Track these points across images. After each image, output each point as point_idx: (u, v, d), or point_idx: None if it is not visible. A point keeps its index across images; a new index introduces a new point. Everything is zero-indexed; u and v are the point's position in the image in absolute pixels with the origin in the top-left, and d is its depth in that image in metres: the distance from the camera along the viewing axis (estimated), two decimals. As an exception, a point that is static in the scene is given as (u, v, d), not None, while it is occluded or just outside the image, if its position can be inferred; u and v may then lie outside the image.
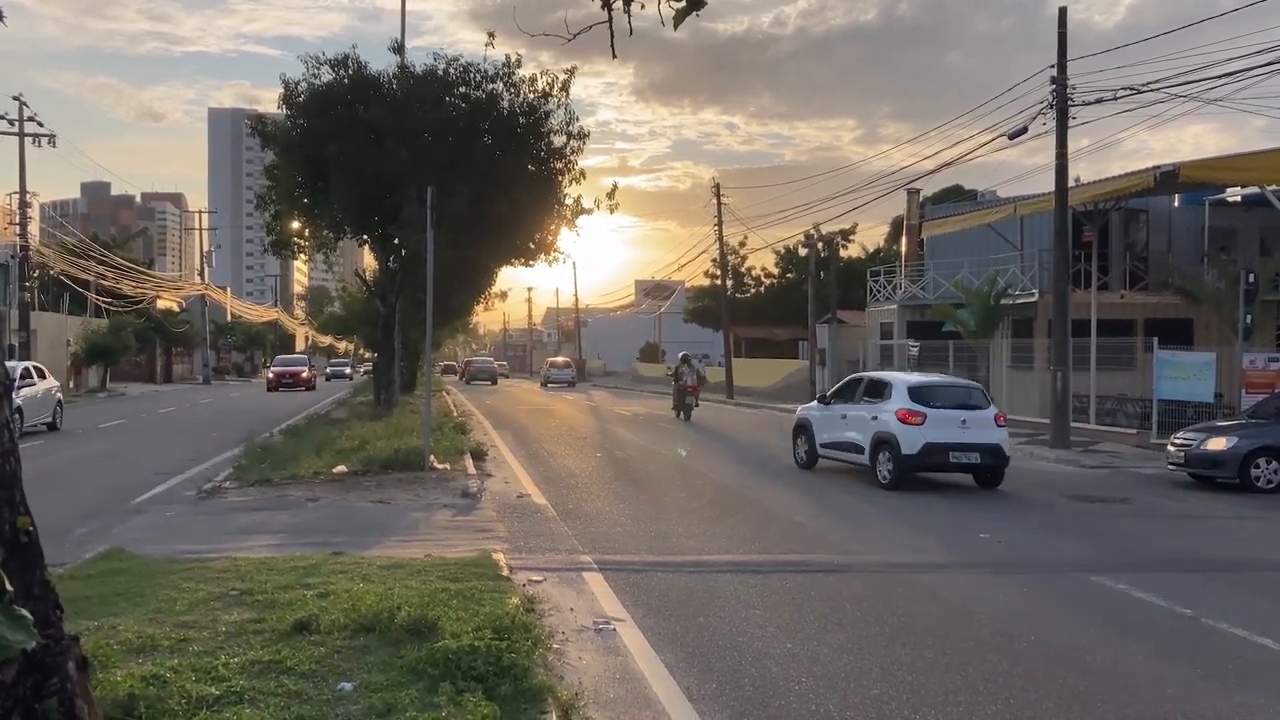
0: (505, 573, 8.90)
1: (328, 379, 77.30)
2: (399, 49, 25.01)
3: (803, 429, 19.14)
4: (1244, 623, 8.11)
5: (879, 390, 17.30)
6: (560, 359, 70.09)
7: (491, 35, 23.21)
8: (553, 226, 25.53)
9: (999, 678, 6.63)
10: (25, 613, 2.42)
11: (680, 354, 34.94)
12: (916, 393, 16.64)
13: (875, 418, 16.72)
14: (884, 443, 16.34)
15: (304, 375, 55.34)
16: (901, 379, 17.61)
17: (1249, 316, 23.10)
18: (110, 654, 5.83)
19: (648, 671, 6.62)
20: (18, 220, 44.09)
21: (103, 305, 56.89)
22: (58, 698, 2.55)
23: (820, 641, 7.41)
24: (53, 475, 16.52)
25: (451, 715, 5.03)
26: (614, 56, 3.65)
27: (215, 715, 4.97)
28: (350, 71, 23.95)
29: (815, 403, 19.91)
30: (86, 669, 2.73)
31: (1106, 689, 6.46)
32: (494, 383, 66.83)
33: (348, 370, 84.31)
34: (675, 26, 3.49)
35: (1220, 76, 19.86)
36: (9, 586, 2.43)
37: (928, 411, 16.23)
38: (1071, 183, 24.38)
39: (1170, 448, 17.60)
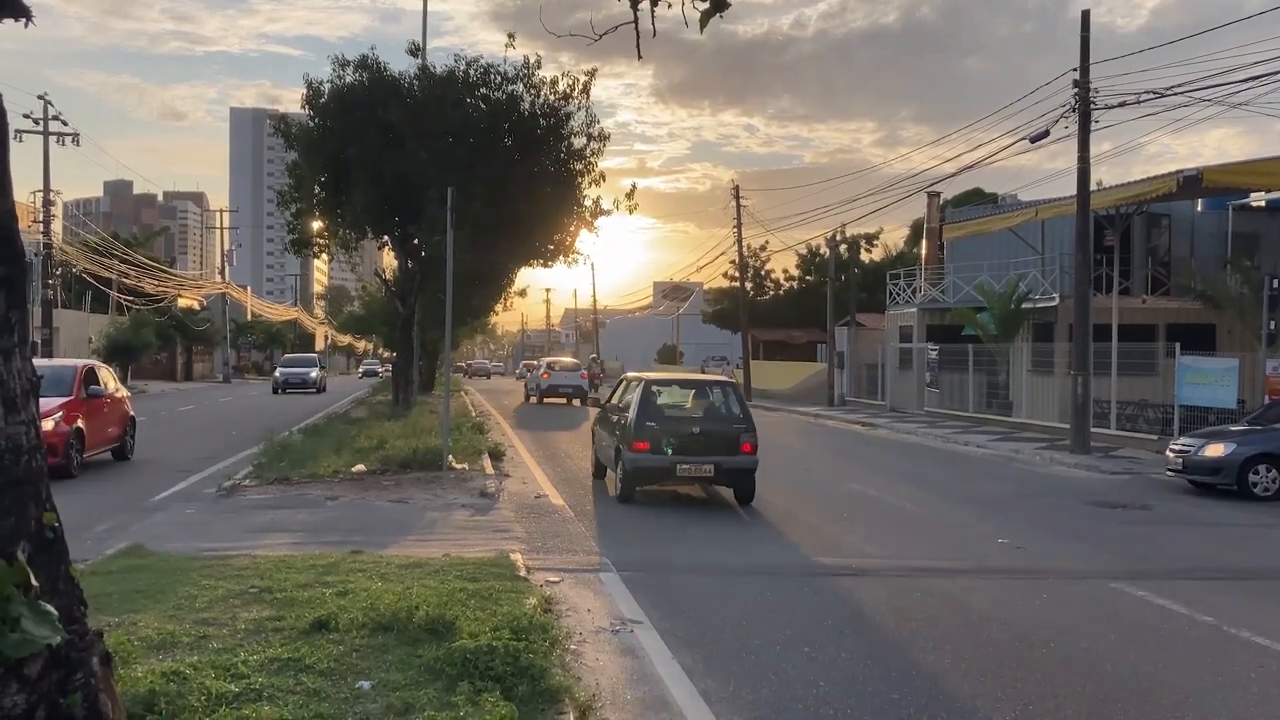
0: (523, 573, 8.92)
1: (279, 390, 48.77)
2: (418, 51, 25.10)
3: (528, 389, 45.22)
4: (1266, 632, 8.04)
5: (539, 369, 44.79)
6: (557, 360, 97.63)
7: (512, 36, 23.29)
8: (572, 228, 25.57)
9: (1017, 684, 6.59)
10: (51, 608, 2.44)
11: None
12: (549, 366, 43.54)
13: (535, 375, 43.82)
14: (538, 385, 42.34)
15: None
16: (547, 361, 46.48)
17: (1272, 323, 22.90)
18: (131, 650, 5.87)
19: (665, 673, 6.61)
20: (42, 218, 44.47)
21: (125, 303, 57.29)
22: (82, 693, 2.57)
23: (838, 645, 7.38)
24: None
25: (469, 715, 5.04)
26: (639, 58, 3.65)
27: (235, 712, 4.99)
28: (371, 73, 24.05)
29: (530, 376, 47.10)
30: (110, 664, 2.75)
31: (1126, 696, 6.42)
32: (488, 377, 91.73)
33: (314, 374, 50.76)
34: (701, 29, 3.48)
35: (1245, 80, 19.72)
36: (35, 582, 2.44)
37: (551, 373, 42.40)
38: (1093, 186, 24.24)
39: (1169, 453, 17.49)
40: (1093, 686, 6.59)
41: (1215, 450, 16.43)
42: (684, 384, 17.14)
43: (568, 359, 50.09)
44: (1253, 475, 16.05)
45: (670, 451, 13.85)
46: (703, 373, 64.02)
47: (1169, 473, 17.43)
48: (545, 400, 41.40)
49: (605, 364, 62.41)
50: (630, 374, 17.55)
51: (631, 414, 14.29)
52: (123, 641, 5.92)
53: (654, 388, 15.30)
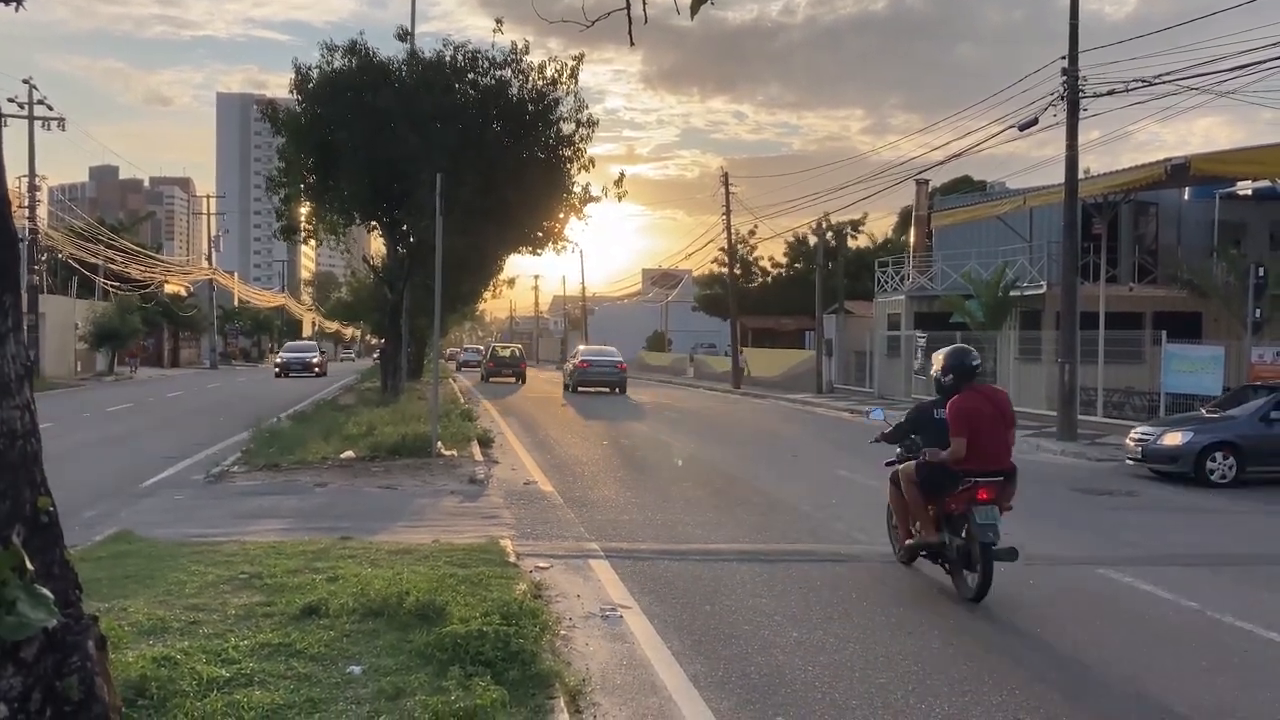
0: (513, 559, 8.94)
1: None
2: (405, 36, 24.95)
3: (456, 362, 75.62)
4: (1250, 616, 8.12)
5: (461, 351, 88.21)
6: (469, 346, 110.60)
7: (499, 21, 23.26)
8: (561, 214, 25.52)
9: (1004, 669, 6.65)
10: (46, 592, 2.45)
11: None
12: (464, 349, 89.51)
13: (457, 355, 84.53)
14: (458, 360, 76.41)
15: None
16: (464, 346, 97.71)
17: (1258, 311, 23.03)
18: (122, 635, 5.87)
19: (654, 658, 6.65)
20: (27, 203, 44.18)
21: (111, 289, 56.99)
22: (78, 676, 2.58)
23: (826, 630, 7.43)
24: (61, 458, 16.56)
25: (460, 699, 5.06)
26: (631, 44, 3.65)
27: (226, 697, 5.01)
28: (360, 58, 23.94)
29: (457, 356, 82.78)
30: (105, 648, 2.76)
31: (1112, 681, 6.48)
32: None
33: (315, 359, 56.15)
34: (692, 15, 3.49)
35: (1232, 69, 19.78)
36: (30, 566, 2.45)
37: (464, 352, 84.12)
38: (1081, 175, 24.31)
39: (1129, 442, 17.63)
40: (1079, 671, 6.65)
41: (1173, 439, 16.59)
42: (503, 346, 57.39)
43: (475, 345, 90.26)
44: (1209, 463, 16.20)
45: (498, 367, 49.00)
46: (691, 361, 64.22)
47: (1129, 461, 17.57)
48: (463, 367, 69.06)
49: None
50: (492, 344, 68.17)
51: (487, 356, 53.67)
52: (113, 627, 5.92)
53: (496, 348, 55.86)
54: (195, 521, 10.82)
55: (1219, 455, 16.23)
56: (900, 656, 6.84)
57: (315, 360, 54.64)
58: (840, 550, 10.46)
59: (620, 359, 41.64)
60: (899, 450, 9.39)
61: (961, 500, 8.31)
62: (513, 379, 47.90)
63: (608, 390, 39.26)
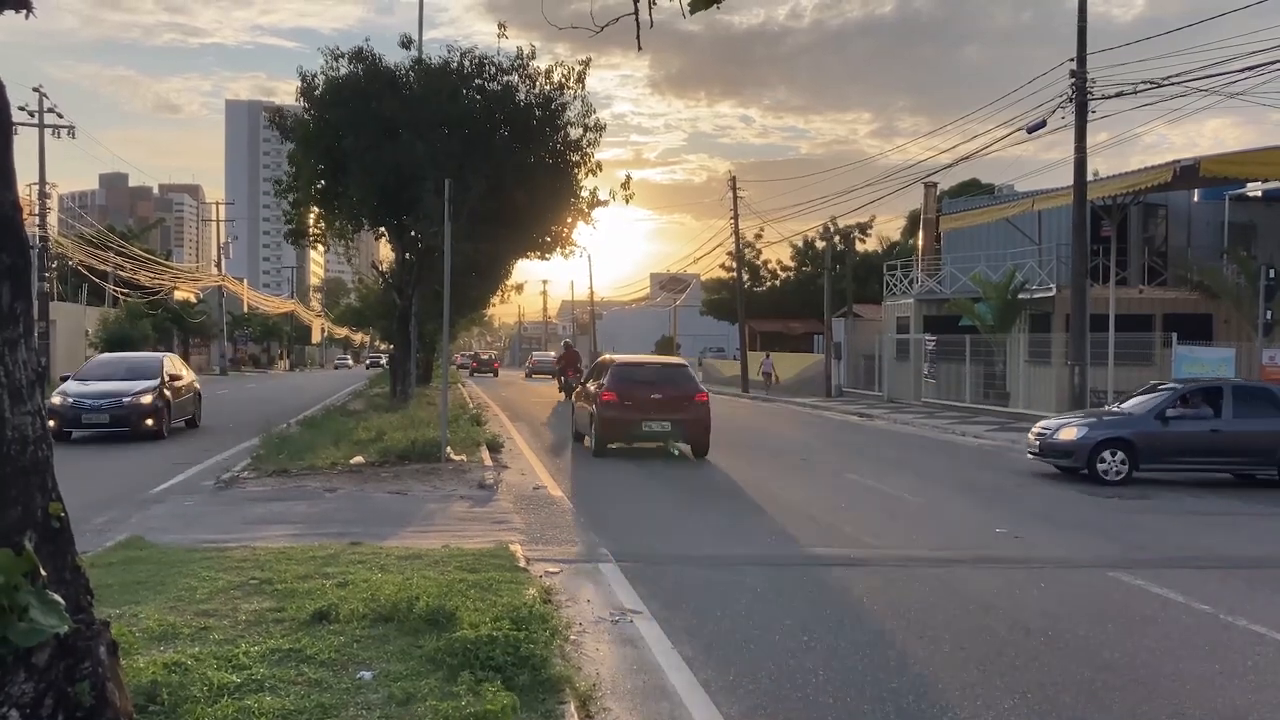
0: (522, 564, 8.93)
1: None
2: (409, 43, 24.97)
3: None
4: (1263, 620, 8.08)
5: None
6: (463, 353, 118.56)
7: (503, 26, 23.29)
8: (569, 219, 25.53)
9: (1016, 672, 6.63)
10: (58, 597, 2.45)
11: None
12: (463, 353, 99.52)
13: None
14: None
15: None
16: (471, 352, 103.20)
17: (1269, 312, 22.96)
18: (133, 641, 5.87)
19: (665, 663, 6.63)
20: (37, 211, 44.35)
21: (121, 296, 57.16)
22: (89, 681, 2.58)
23: (837, 635, 7.41)
24: (71, 464, 16.61)
25: (471, 704, 5.05)
26: (639, 49, 3.65)
27: (236, 703, 5.01)
28: (366, 64, 23.98)
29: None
30: (117, 654, 2.76)
31: (1124, 684, 6.45)
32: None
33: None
34: (690, 13, 3.48)
35: (1241, 70, 19.76)
36: (42, 571, 2.46)
37: (463, 356, 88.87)
38: (1090, 177, 24.26)
39: (1031, 436, 17.63)
40: (1090, 675, 6.62)
41: (1068, 434, 16.62)
42: (483, 351, 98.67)
43: (467, 352, 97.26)
44: (1101, 459, 16.16)
45: (479, 366, 78.16)
46: (699, 365, 64.42)
47: (1029, 455, 17.54)
48: (460, 369, 72.58)
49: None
50: (476, 351, 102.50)
51: (473, 359, 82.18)
52: (124, 633, 5.92)
53: (478, 353, 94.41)
54: (205, 527, 10.83)
55: (1111, 452, 16.16)
56: (911, 661, 6.82)
57: (144, 396, 21.23)
58: (850, 554, 10.44)
59: (555, 358, 72.60)
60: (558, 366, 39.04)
61: (566, 376, 37.38)
62: (490, 374, 72.81)
63: (549, 376, 59.29)
